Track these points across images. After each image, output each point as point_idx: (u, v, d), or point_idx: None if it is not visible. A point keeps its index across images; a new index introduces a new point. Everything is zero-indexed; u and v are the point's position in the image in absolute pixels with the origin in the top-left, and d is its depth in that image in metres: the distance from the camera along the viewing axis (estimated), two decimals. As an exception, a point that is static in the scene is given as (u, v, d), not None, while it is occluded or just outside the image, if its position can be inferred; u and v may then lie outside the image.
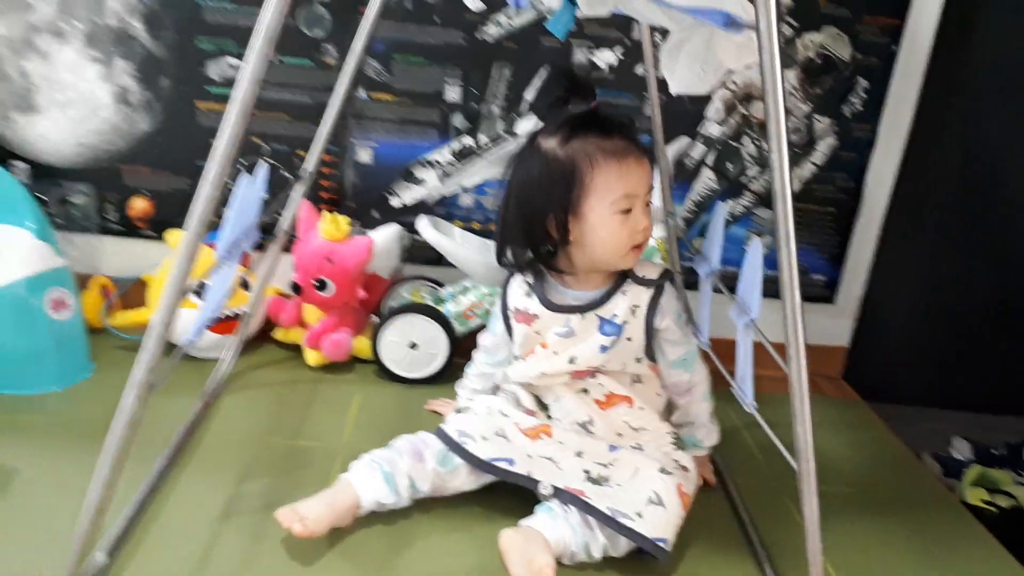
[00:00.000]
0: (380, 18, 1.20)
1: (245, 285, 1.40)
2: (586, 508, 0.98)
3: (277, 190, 1.47)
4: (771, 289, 1.57)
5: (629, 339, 1.06)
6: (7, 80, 1.38)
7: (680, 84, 0.94)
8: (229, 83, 1.40)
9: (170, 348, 0.85)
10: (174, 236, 1.42)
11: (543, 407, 1.11)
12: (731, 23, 0.79)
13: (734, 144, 1.51)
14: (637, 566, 0.99)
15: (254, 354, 1.44)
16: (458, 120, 1.46)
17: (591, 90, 1.04)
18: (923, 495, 1.27)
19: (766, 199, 1.54)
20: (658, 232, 1.40)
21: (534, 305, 1.08)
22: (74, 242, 1.47)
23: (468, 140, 1.47)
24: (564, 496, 1.01)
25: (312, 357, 1.39)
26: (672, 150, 1.42)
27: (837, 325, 1.64)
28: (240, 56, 1.39)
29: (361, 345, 1.40)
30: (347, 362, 1.42)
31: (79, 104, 1.40)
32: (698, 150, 1.50)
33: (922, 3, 1.45)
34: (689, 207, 1.54)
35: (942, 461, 1.46)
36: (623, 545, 0.98)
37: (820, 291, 1.61)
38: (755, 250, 0.94)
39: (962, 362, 1.72)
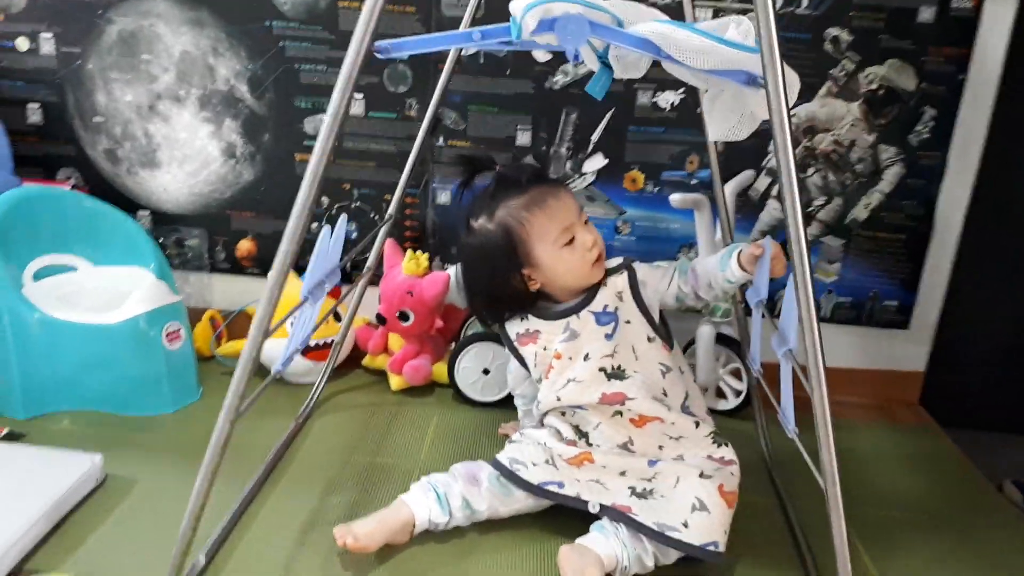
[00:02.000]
0: (455, 73, 1.32)
1: (337, 316, 1.54)
2: (634, 524, 1.05)
3: (365, 230, 1.61)
4: (846, 316, 1.60)
5: (628, 322, 1.14)
6: (134, 140, 1.58)
7: (717, 132, 1.01)
8: (322, 135, 1.56)
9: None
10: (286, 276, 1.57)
11: (582, 435, 1.17)
12: (751, 81, 0.85)
13: (799, 175, 1.54)
14: (692, 571, 1.05)
15: (344, 379, 1.57)
16: (529, 161, 1.56)
17: (488, 159, 1.20)
18: (999, 524, 1.25)
19: (833, 227, 1.56)
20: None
21: (533, 323, 1.18)
22: (189, 279, 1.65)
23: (538, 179, 1.57)
24: (612, 513, 1.07)
25: (395, 382, 1.51)
26: (734, 183, 1.46)
27: (912, 351, 1.63)
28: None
29: (440, 371, 1.51)
30: (427, 386, 1.53)
31: (193, 159, 1.58)
32: (763, 182, 1.55)
33: (990, 31, 1.45)
34: (756, 238, 1.58)
35: None
36: (673, 554, 1.04)
37: (893, 317, 1.61)
38: (760, 283, 0.98)
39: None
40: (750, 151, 1.52)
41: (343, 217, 1.08)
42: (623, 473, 1.13)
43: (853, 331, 1.63)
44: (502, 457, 1.16)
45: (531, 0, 0.81)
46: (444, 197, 1.59)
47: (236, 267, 1.65)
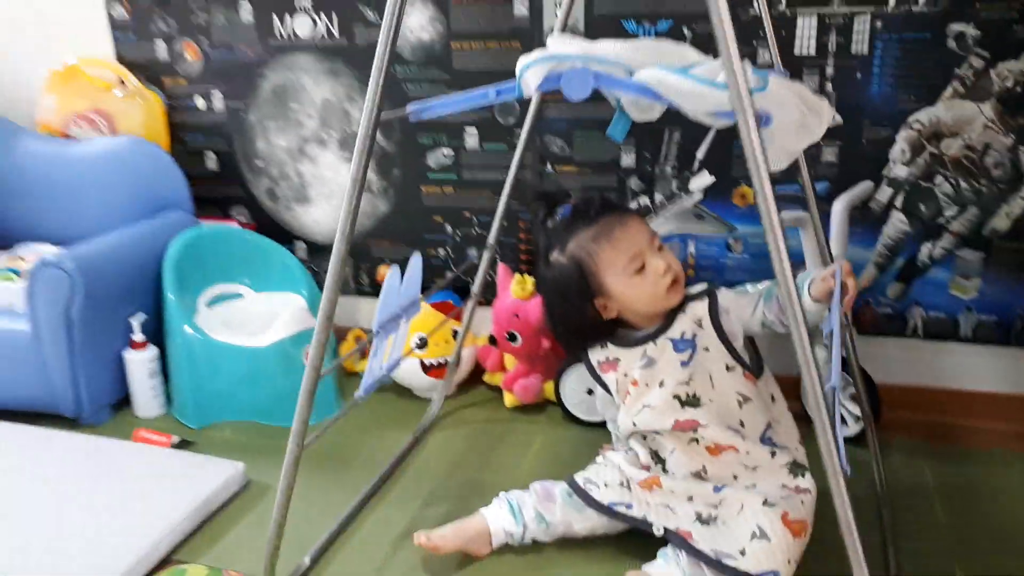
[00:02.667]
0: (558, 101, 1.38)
1: (456, 336, 1.66)
2: (692, 551, 1.07)
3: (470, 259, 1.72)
4: (990, 335, 1.46)
5: (707, 349, 1.13)
6: (289, 180, 1.80)
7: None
8: (443, 169, 1.68)
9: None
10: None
11: (659, 461, 1.19)
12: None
13: (925, 184, 1.43)
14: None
15: (467, 394, 1.69)
16: (634, 183, 1.58)
17: (563, 192, 1.24)
18: None
19: (969, 239, 1.44)
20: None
21: (612, 351, 1.20)
22: (339, 302, 1.85)
23: (645, 200, 1.58)
24: (675, 538, 1.10)
25: (509, 399, 1.61)
26: (847, 197, 1.39)
27: (1073, 374, 1.46)
28: (451, 147, 1.66)
29: (551, 389, 1.58)
30: (539, 404, 1.61)
31: (337, 195, 1.78)
32: (884, 193, 1.45)
33: None
34: (881, 252, 1.49)
35: None
36: None
37: (1049, 337, 1.45)
38: (832, 317, 0.95)
39: None
40: (866, 161, 1.44)
41: (416, 256, 1.19)
42: (690, 498, 1.15)
43: (1000, 352, 1.48)
44: (578, 476, 1.22)
45: (529, 60, 0.86)
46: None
47: (378, 290, 1.82)
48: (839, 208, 1.39)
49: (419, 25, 1.60)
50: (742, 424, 1.14)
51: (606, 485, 1.18)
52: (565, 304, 1.20)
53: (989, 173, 1.39)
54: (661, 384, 1.16)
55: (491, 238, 1.48)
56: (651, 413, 1.17)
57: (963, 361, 1.51)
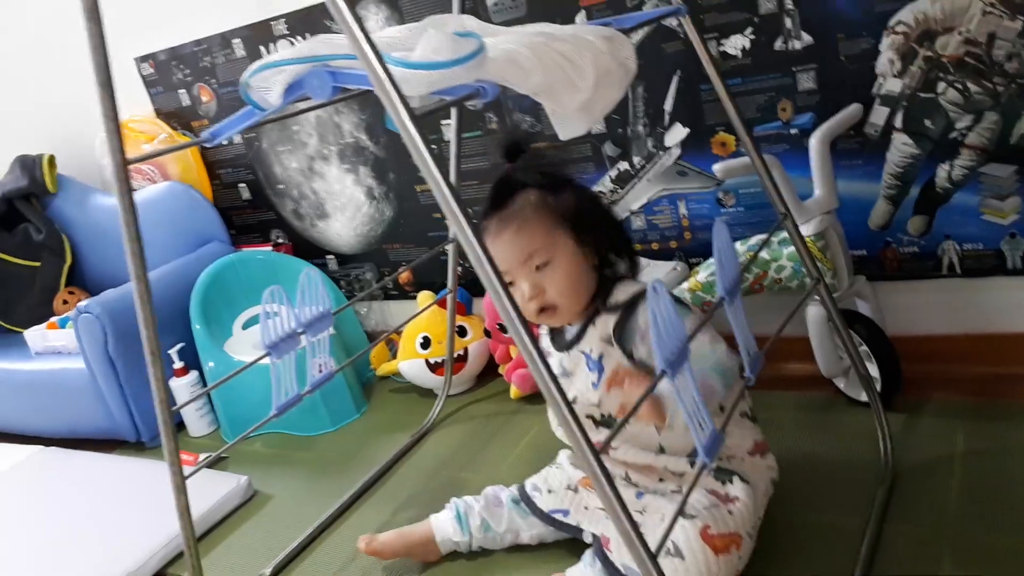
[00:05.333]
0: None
1: (462, 332, 1.63)
2: (607, 565, 0.98)
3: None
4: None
5: (616, 372, 0.95)
6: (307, 198, 1.87)
7: (564, 133, 0.87)
8: (432, 163, 1.66)
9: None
10: (423, 297, 1.73)
11: None
12: (482, 92, 0.75)
13: (926, 95, 1.19)
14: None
15: (482, 388, 1.67)
16: (609, 148, 1.46)
17: (524, 143, 1.07)
18: None
19: (994, 152, 1.17)
20: (810, 228, 1.20)
21: (546, 343, 1.09)
22: (372, 307, 1.90)
23: (623, 165, 1.46)
24: (596, 546, 1.01)
25: (513, 390, 1.56)
26: (827, 128, 1.18)
27: None
28: (433, 141, 1.64)
29: (553, 377, 1.51)
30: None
31: (348, 206, 1.81)
32: (879, 114, 1.23)
33: None
34: (889, 182, 1.26)
35: None
36: None
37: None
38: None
39: None
40: (849, 80, 1.23)
41: (311, 271, 1.17)
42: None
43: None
44: (528, 482, 1.16)
45: (247, 74, 0.82)
46: (542, 200, 1.57)
47: (402, 292, 1.85)
48: (815, 142, 1.20)
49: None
50: (662, 449, 1.01)
51: (550, 491, 1.12)
52: None
53: (1002, 68, 1.13)
54: (575, 400, 1.03)
55: (451, 232, 1.44)
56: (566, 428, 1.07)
57: (1012, 297, 1.24)
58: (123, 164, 0.88)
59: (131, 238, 0.89)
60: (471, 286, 1.72)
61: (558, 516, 1.10)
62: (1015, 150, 1.17)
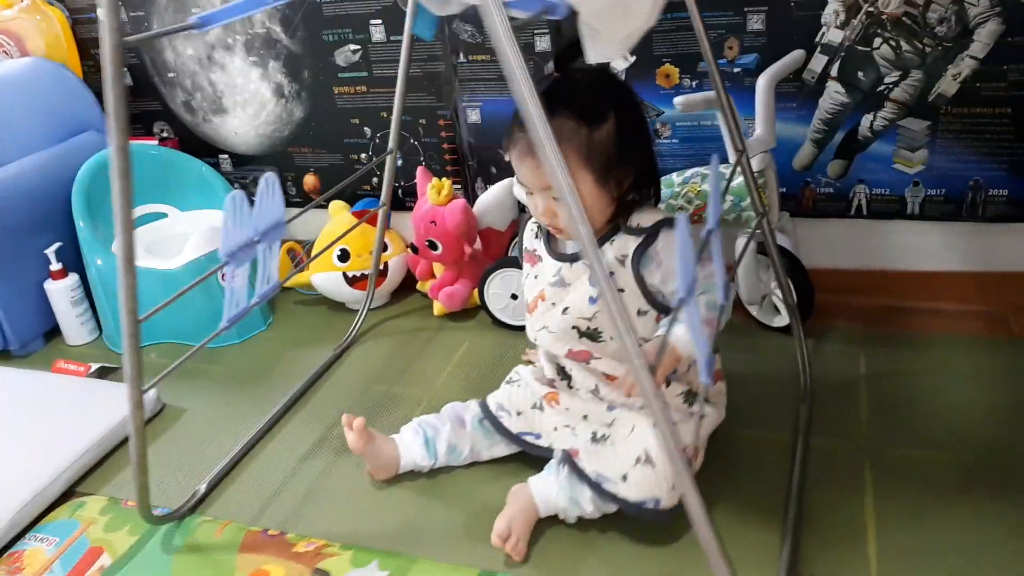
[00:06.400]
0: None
1: (383, 246, 1.59)
2: (574, 467, 1.02)
3: (409, 157, 1.62)
4: (941, 211, 1.34)
5: (621, 290, 1.00)
6: (203, 90, 1.71)
7: (593, 56, 0.87)
8: (353, 67, 1.57)
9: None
10: (335, 206, 1.66)
11: (566, 376, 1.12)
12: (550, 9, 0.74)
13: (863, 49, 1.28)
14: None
15: (399, 304, 1.64)
16: (551, 68, 1.45)
17: (568, 52, 0.99)
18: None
19: (913, 107, 1.29)
20: (753, 165, 1.27)
21: (540, 247, 1.10)
22: (271, 215, 1.79)
23: (565, 87, 1.46)
24: (564, 456, 1.05)
25: (437, 307, 1.55)
26: (773, 71, 1.25)
27: (1028, 248, 1.34)
28: (358, 42, 1.54)
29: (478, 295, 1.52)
30: (469, 310, 1.56)
31: (252, 102, 1.68)
32: (818, 62, 1.31)
33: None
34: (818, 127, 1.36)
35: None
36: (613, 507, 1.00)
37: (1003, 208, 1.32)
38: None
39: None
40: (797, 27, 1.29)
41: (270, 175, 1.09)
42: (586, 417, 1.09)
43: (951, 228, 1.36)
44: (491, 400, 1.17)
45: None
46: (475, 116, 1.54)
47: (306, 200, 1.76)
48: (763, 83, 1.25)
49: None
50: (625, 479, 1.01)
51: (519, 413, 1.13)
52: None
53: (932, 31, 1.24)
54: (565, 311, 1.05)
55: (391, 143, 1.38)
56: (548, 336, 1.09)
57: (910, 240, 1.39)
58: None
59: None
60: (393, 199, 1.67)
61: (529, 439, 1.12)
62: (931, 107, 1.29)
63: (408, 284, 1.66)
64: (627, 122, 0.98)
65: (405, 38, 1.29)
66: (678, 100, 1.25)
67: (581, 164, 0.95)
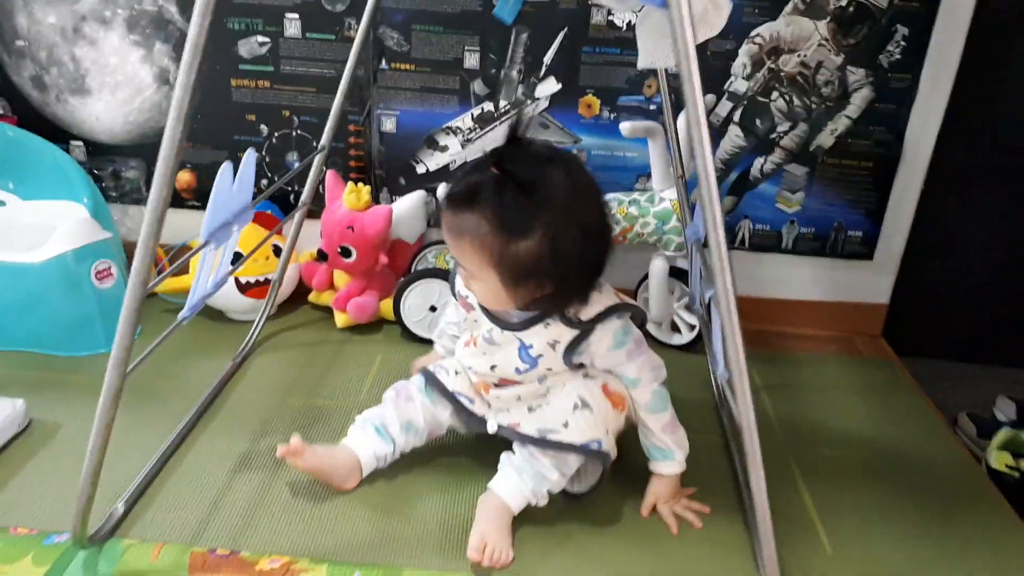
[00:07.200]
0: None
1: (277, 251, 1.48)
2: (520, 437, 1.03)
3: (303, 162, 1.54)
4: (809, 247, 1.54)
5: (549, 369, 1.02)
6: (61, 65, 1.49)
7: (645, 59, 0.93)
8: (258, 61, 1.47)
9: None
10: (216, 207, 1.51)
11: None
12: (663, 3, 0.78)
13: (762, 100, 1.46)
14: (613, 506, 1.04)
15: (289, 316, 1.53)
16: (478, 86, 1.47)
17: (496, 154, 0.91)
18: (944, 460, 1.23)
19: (797, 155, 1.49)
20: (673, 194, 1.39)
21: (474, 301, 1.04)
22: (128, 213, 1.59)
23: (488, 106, 1.48)
24: (505, 431, 1.05)
25: (340, 319, 1.47)
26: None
27: (877, 281, 1.58)
28: (266, 34, 1.45)
29: (387, 307, 1.46)
30: (375, 323, 1.49)
31: (125, 86, 1.50)
32: (724, 107, 1.47)
33: (968, -60, 1.35)
34: (717, 166, 1.51)
35: (979, 422, 1.39)
36: (572, 459, 1.01)
37: (858, 248, 1.55)
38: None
39: (1012, 316, 1.64)
40: (711, 74, 1.44)
41: (250, 153, 1.00)
42: (519, 398, 1.07)
43: (816, 263, 1.57)
44: (430, 365, 1.14)
45: None
46: (390, 125, 1.51)
47: (177, 200, 1.58)
48: (683, 119, 1.38)
49: None
50: (566, 425, 1.03)
51: (456, 373, 1.11)
52: None
53: (819, 90, 1.44)
54: (493, 368, 1.04)
55: (325, 138, 1.31)
56: (475, 375, 1.09)
57: (784, 271, 1.58)
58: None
59: None
60: (283, 202, 1.56)
61: (464, 400, 1.09)
62: (811, 156, 1.49)
63: (295, 297, 1.55)
64: (561, 243, 0.89)
65: (361, 31, 1.24)
66: (624, 126, 1.33)
67: (490, 264, 0.91)
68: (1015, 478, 1.20)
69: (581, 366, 1.04)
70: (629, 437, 1.08)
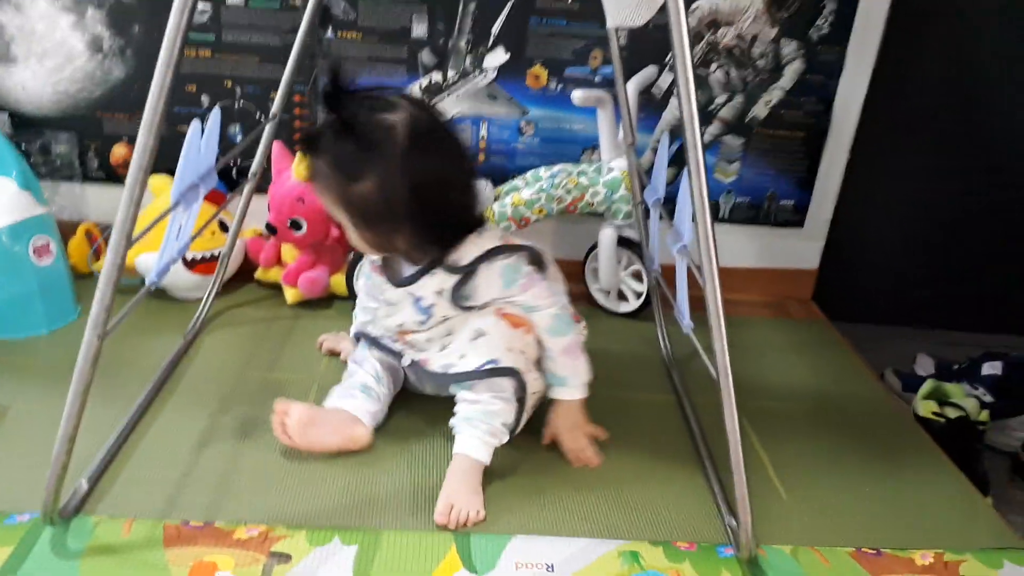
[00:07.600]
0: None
1: (223, 226, 1.45)
2: (428, 375, 1.09)
3: (251, 132, 1.51)
4: (744, 216, 1.61)
5: (445, 316, 1.07)
6: (-18, 32, 1.42)
7: (614, 18, 0.96)
8: (199, 29, 1.43)
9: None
10: (156, 181, 1.46)
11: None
12: None
13: (701, 72, 1.51)
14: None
15: (236, 293, 1.50)
16: (426, 56, 1.47)
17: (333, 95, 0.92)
18: (877, 410, 1.31)
19: (734, 126, 1.55)
20: (621, 163, 1.42)
21: (369, 267, 1.12)
22: (59, 190, 1.52)
23: (436, 76, 1.49)
24: (415, 367, 1.10)
25: (290, 295, 1.45)
26: (637, 80, 1.42)
27: (807, 248, 1.66)
28: (210, 1, 1.41)
29: (338, 282, 1.45)
30: (326, 299, 1.48)
31: (54, 53, 1.43)
32: (666, 79, 1.51)
33: (890, -81, 1.43)
34: (658, 137, 1.56)
35: (903, 377, 1.50)
36: (502, 385, 1.03)
37: (790, 216, 1.63)
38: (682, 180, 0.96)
39: (931, 280, 1.75)
40: (653, 47, 1.48)
41: (216, 112, 0.99)
42: (429, 340, 1.11)
43: (751, 231, 1.65)
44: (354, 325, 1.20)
45: None
46: (336, 96, 1.49)
47: (112, 175, 1.52)
48: (631, 89, 1.41)
49: None
50: (462, 356, 1.08)
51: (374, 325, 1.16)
52: None
53: (755, 63, 1.51)
54: (400, 326, 1.10)
55: (276, 107, 1.29)
56: (383, 328, 1.14)
57: (721, 239, 1.63)
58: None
59: None
60: (225, 176, 1.52)
61: (386, 342, 1.14)
62: (747, 127, 1.56)
63: (241, 274, 1.52)
64: (398, 187, 0.91)
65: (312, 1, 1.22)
66: (575, 94, 1.36)
67: (338, 207, 0.96)
68: (940, 423, 1.30)
69: (475, 308, 1.06)
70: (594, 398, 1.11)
